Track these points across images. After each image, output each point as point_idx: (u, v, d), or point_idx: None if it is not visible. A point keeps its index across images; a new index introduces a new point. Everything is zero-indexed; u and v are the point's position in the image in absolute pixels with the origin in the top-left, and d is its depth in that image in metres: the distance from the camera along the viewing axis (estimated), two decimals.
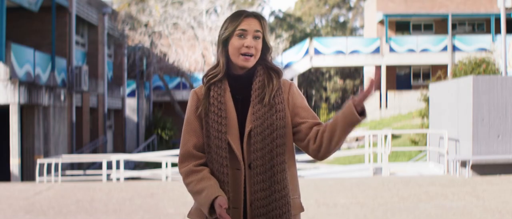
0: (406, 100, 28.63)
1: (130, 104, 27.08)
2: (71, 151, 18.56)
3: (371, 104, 29.69)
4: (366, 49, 28.87)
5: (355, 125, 2.30)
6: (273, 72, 2.44)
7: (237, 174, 2.37)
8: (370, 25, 33.68)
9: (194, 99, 2.47)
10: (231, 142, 2.36)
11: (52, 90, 16.65)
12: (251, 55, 2.39)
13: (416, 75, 31.92)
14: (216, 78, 2.42)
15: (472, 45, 28.52)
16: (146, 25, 25.17)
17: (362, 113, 2.28)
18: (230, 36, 2.41)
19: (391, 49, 28.78)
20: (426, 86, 17.17)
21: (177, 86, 30.43)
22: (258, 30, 2.40)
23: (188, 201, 8.38)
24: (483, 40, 28.77)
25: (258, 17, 2.43)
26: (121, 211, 7.82)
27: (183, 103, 29.30)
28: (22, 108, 15.58)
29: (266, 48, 2.46)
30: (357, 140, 25.20)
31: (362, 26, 49.39)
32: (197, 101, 2.45)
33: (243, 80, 2.44)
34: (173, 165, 14.58)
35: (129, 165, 21.69)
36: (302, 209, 2.50)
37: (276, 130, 2.37)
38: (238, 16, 2.42)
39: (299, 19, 49.55)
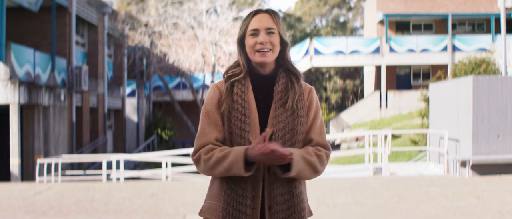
0: (406, 100, 28.63)
1: (130, 104, 27.08)
2: (71, 151, 18.55)
3: (371, 104, 29.71)
4: (366, 49, 28.86)
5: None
6: (293, 76, 2.43)
7: (256, 174, 2.35)
8: (370, 25, 33.68)
9: (216, 93, 2.43)
10: (253, 142, 2.34)
11: (52, 90, 16.65)
12: (267, 51, 2.37)
13: (416, 75, 31.92)
14: (237, 77, 2.41)
15: (472, 45, 28.52)
16: (146, 25, 25.16)
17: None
18: (244, 36, 2.42)
19: (391, 49, 28.77)
20: (426, 86, 17.16)
21: (177, 86, 30.43)
22: (270, 27, 2.38)
23: (188, 201, 8.37)
24: (483, 40, 28.77)
25: (270, 12, 2.42)
26: (121, 211, 7.82)
27: (183, 104, 29.29)
28: (22, 109, 15.58)
29: (284, 44, 2.44)
30: (357, 140, 25.18)
31: (362, 26, 49.39)
32: (219, 96, 2.42)
33: (265, 80, 2.43)
34: (173, 165, 14.58)
35: (129, 165, 21.69)
36: (310, 213, 2.50)
37: (296, 135, 2.38)
38: (249, 15, 2.43)
39: (299, 19, 49.55)
